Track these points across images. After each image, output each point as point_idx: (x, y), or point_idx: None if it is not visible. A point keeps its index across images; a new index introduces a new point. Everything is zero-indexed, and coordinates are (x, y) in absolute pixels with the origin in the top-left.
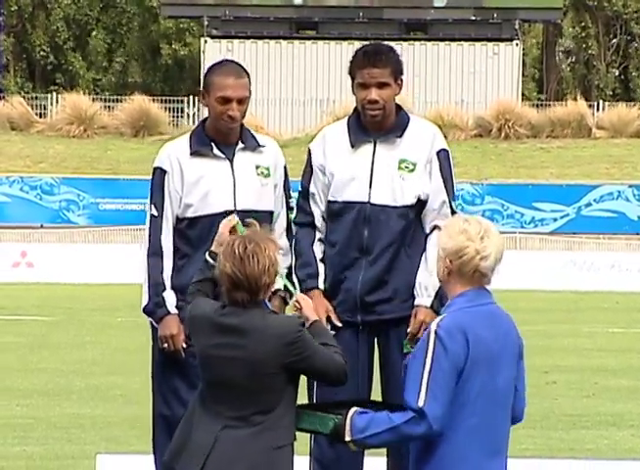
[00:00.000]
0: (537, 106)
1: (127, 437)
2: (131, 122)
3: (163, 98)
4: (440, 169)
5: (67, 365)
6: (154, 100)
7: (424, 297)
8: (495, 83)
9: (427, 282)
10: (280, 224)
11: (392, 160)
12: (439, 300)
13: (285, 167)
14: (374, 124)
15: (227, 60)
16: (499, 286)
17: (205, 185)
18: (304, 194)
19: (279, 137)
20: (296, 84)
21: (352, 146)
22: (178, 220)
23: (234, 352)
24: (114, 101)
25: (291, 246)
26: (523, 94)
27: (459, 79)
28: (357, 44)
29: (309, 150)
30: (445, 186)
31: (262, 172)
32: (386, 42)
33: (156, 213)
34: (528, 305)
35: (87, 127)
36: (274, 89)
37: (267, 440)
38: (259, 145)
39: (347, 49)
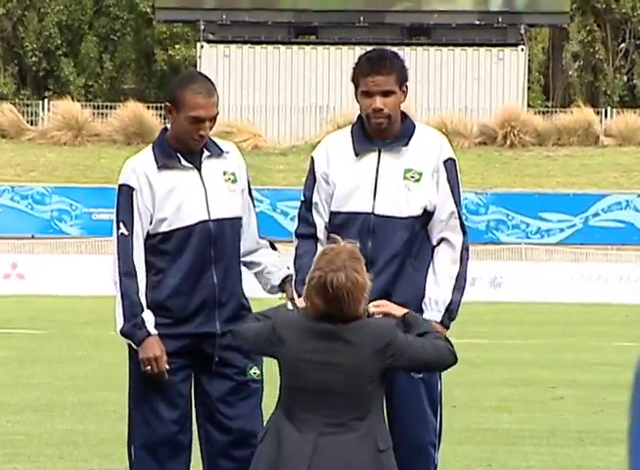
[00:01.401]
0: (543, 113)
1: (121, 453)
2: (124, 130)
3: (158, 105)
4: (448, 179)
5: (59, 380)
6: (148, 107)
7: (434, 311)
8: (500, 90)
9: (436, 296)
10: (253, 228)
11: (397, 169)
12: (449, 314)
13: (246, 171)
14: (379, 133)
15: (196, 73)
16: (504, 298)
17: (177, 197)
18: (307, 204)
19: (277, 145)
20: (294, 91)
21: (356, 155)
22: (150, 236)
23: (331, 358)
24: (107, 108)
25: (271, 243)
26: (528, 101)
27: (463, 85)
28: (358, 49)
29: (312, 158)
30: (453, 196)
31: (229, 178)
32: (387, 47)
33: (125, 232)
34: (534, 318)
35: (79, 135)
36: (272, 96)
37: (372, 443)
38: (223, 151)
39: (348, 54)
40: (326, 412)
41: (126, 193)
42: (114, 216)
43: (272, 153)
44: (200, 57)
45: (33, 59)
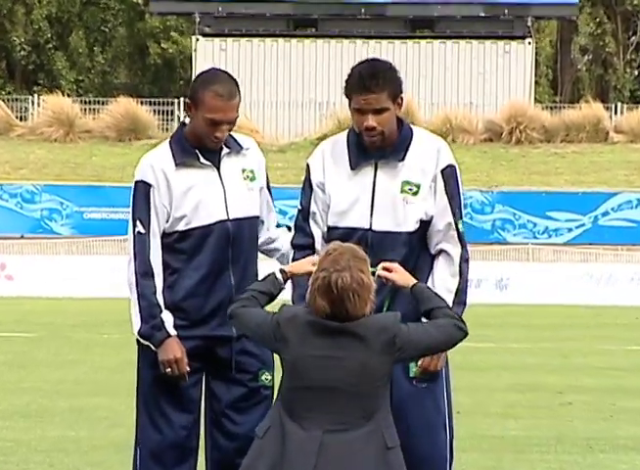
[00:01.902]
0: (551, 108)
1: (113, 462)
2: (117, 126)
3: (152, 100)
4: (445, 188)
5: (49, 385)
6: (142, 102)
7: None
8: (506, 84)
9: None
10: (272, 226)
11: (395, 183)
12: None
13: (265, 167)
14: (375, 147)
15: (218, 72)
16: (510, 300)
17: (195, 196)
18: (304, 214)
19: (275, 142)
20: (294, 85)
21: (352, 169)
22: (166, 235)
23: (337, 353)
24: (99, 103)
25: (287, 226)
26: (535, 96)
27: (468, 80)
28: (359, 42)
29: (308, 166)
30: (451, 206)
31: (248, 176)
32: (390, 41)
33: (142, 230)
34: (541, 322)
35: (70, 131)
36: (270, 91)
37: (379, 440)
38: (243, 148)
39: (349, 48)
40: (330, 410)
41: (143, 190)
42: (130, 214)
43: (270, 150)
44: (195, 50)
45: (22, 53)
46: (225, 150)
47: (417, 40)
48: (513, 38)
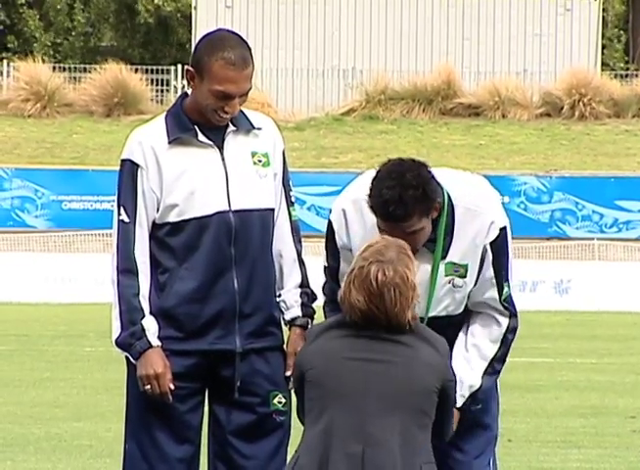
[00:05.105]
0: (622, 76)
1: None
2: (104, 99)
3: (144, 67)
4: (494, 261)
5: (22, 408)
6: (133, 70)
7: (456, 394)
8: (567, 48)
9: (463, 375)
10: (280, 225)
11: (440, 267)
12: (474, 399)
13: (283, 153)
14: None
15: (227, 34)
16: (572, 307)
17: (190, 181)
18: (332, 273)
19: (291, 117)
20: (312, 50)
21: None
22: (156, 226)
23: (382, 359)
24: (81, 71)
25: (299, 254)
26: (603, 62)
27: (521, 44)
28: None
29: (330, 224)
30: (497, 280)
31: (260, 161)
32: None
33: (126, 219)
34: (610, 332)
35: (48, 105)
36: (285, 56)
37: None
38: (254, 127)
39: (379, 4)
40: (365, 421)
41: (129, 171)
42: (115, 200)
43: (285, 127)
44: (195, 8)
45: None
46: (231, 127)
47: None
48: None
